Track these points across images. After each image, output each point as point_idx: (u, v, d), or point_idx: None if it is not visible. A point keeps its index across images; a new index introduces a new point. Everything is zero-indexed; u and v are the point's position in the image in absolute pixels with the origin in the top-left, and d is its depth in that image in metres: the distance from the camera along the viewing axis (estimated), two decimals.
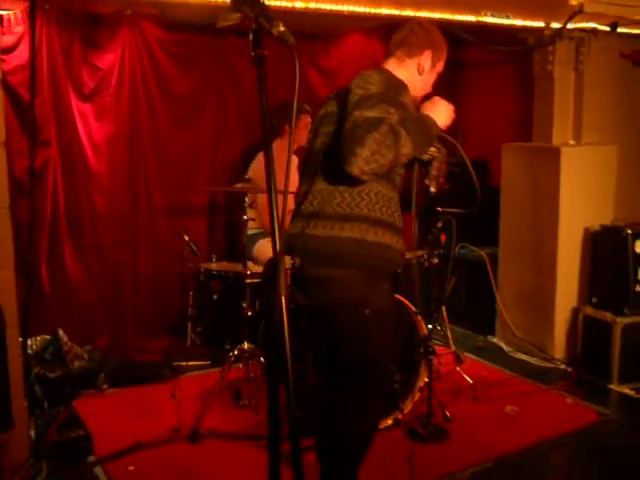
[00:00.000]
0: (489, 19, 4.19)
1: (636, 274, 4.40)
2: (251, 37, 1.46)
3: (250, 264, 4.06)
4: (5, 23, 4.12)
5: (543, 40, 4.58)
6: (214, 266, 4.27)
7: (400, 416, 3.58)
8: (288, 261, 2.29)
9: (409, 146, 2.26)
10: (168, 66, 4.76)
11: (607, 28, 4.47)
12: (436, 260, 4.26)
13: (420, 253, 4.18)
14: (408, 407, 3.61)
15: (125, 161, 4.70)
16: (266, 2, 1.55)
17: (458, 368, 4.25)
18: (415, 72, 2.65)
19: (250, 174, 4.46)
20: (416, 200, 2.52)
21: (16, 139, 4.22)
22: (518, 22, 4.34)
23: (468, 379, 4.18)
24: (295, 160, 4.72)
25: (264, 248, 4.44)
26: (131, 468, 3.24)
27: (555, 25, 4.40)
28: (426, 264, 4.17)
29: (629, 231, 4.38)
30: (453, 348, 4.39)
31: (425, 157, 2.41)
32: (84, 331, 4.48)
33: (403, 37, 2.66)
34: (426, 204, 2.48)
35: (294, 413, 1.29)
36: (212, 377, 4.03)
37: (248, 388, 3.86)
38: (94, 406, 3.88)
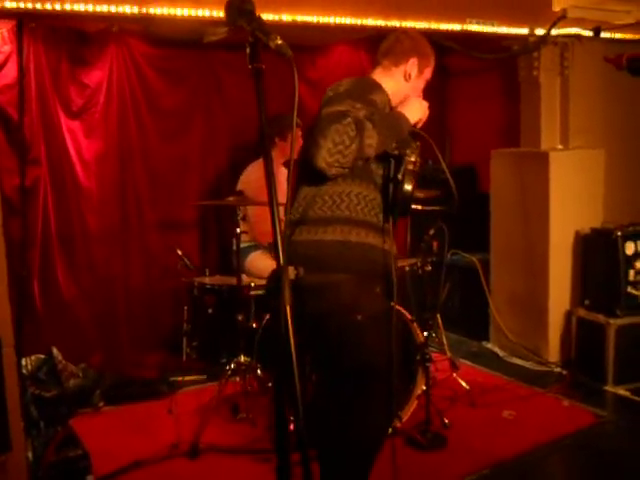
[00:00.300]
0: (474, 27, 4.22)
1: (627, 275, 4.43)
2: (248, 50, 1.47)
3: (244, 277, 4.05)
4: None
5: (528, 46, 4.63)
6: (208, 280, 4.27)
7: (399, 424, 3.57)
8: (292, 272, 2.29)
9: (374, 137, 2.28)
10: (156, 81, 4.78)
11: (590, 33, 4.52)
12: (429, 267, 4.28)
13: (414, 261, 4.20)
14: (406, 415, 3.61)
15: (115, 177, 4.70)
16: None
17: (454, 374, 4.26)
18: (401, 79, 2.67)
19: (240, 187, 4.47)
20: (393, 197, 2.49)
21: (5, 158, 4.22)
22: (503, 29, 4.38)
23: (465, 385, 4.19)
24: (284, 172, 4.74)
25: (256, 261, 4.44)
26: None
27: (539, 31, 4.45)
28: (419, 272, 4.19)
29: (619, 233, 4.41)
30: (449, 354, 4.40)
31: (396, 152, 2.41)
32: (78, 349, 4.45)
33: (389, 46, 2.70)
34: (402, 202, 2.44)
35: (302, 425, 1.29)
36: (209, 391, 4.02)
37: (246, 401, 3.84)
38: (91, 425, 3.85)
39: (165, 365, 4.65)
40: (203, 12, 3.54)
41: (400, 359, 3.50)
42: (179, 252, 4.15)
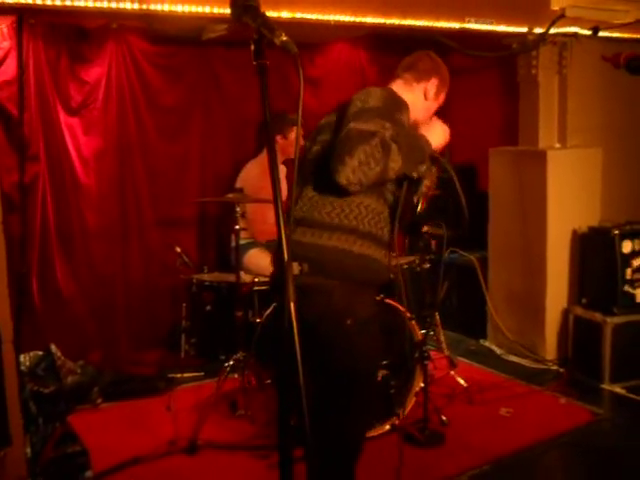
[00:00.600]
0: (473, 25, 4.23)
1: (624, 274, 4.44)
2: (253, 47, 1.47)
3: (243, 274, 4.06)
4: None
5: (527, 45, 4.64)
6: (206, 277, 4.27)
7: (397, 421, 3.59)
8: (296, 268, 2.29)
9: (398, 162, 2.29)
10: (155, 78, 4.78)
11: (589, 32, 4.53)
12: (427, 265, 4.29)
13: (412, 258, 4.21)
14: (405, 412, 3.63)
15: (114, 174, 4.70)
16: None
17: (452, 372, 4.28)
18: (421, 96, 2.68)
19: (239, 184, 4.47)
20: (402, 218, 2.53)
21: (4, 154, 4.22)
22: (502, 28, 4.39)
23: (462, 382, 4.21)
24: (283, 170, 4.75)
25: (255, 258, 4.45)
26: None
27: (538, 30, 4.46)
28: (418, 269, 4.20)
29: (616, 232, 4.42)
30: (447, 352, 4.41)
31: (415, 175, 2.43)
32: (77, 345, 4.46)
33: (412, 62, 2.71)
34: (412, 222, 2.49)
35: (307, 422, 1.30)
36: (207, 388, 4.03)
37: (244, 398, 3.85)
38: (89, 421, 3.86)
39: (163, 362, 4.66)
40: (203, 9, 3.54)
41: (398, 356, 3.54)
42: (178, 249, 4.16)
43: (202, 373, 4.45)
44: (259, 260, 4.37)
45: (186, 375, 4.41)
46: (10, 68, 4.17)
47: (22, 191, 4.28)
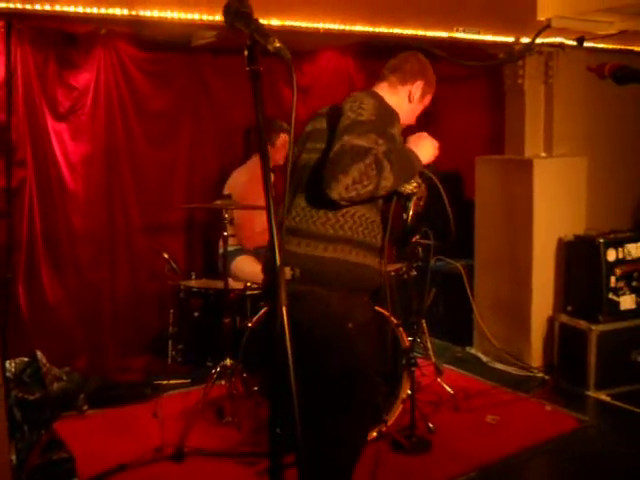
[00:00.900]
0: (461, 35, 4.27)
1: (609, 282, 4.48)
2: (246, 53, 1.47)
3: (230, 280, 4.06)
4: None
5: (513, 55, 4.69)
6: (194, 283, 4.26)
7: (384, 428, 3.59)
8: (288, 272, 2.30)
9: (390, 180, 2.31)
10: (143, 85, 4.77)
11: (574, 43, 4.58)
12: (414, 272, 4.31)
13: (399, 266, 4.22)
14: (392, 419, 3.63)
15: (101, 180, 4.69)
16: None
17: (439, 379, 4.29)
18: (405, 99, 2.70)
19: (228, 190, 4.48)
20: (392, 232, 2.57)
21: None
22: (489, 37, 4.43)
23: (449, 390, 4.22)
24: (271, 177, 4.75)
25: (242, 264, 4.45)
26: None
27: (525, 40, 4.50)
28: (405, 276, 4.22)
29: (601, 240, 4.47)
30: (433, 359, 4.43)
31: (405, 191, 2.47)
32: (63, 352, 4.43)
33: (398, 64, 2.73)
34: (401, 236, 2.55)
35: (299, 430, 1.30)
36: (194, 395, 4.01)
37: (231, 405, 3.84)
38: (75, 428, 3.83)
39: (150, 368, 4.64)
40: (193, 15, 3.54)
41: (385, 363, 3.55)
42: (165, 255, 4.15)
43: (189, 380, 4.44)
44: (247, 266, 4.37)
45: (173, 382, 4.39)
46: None
47: (8, 196, 4.25)
